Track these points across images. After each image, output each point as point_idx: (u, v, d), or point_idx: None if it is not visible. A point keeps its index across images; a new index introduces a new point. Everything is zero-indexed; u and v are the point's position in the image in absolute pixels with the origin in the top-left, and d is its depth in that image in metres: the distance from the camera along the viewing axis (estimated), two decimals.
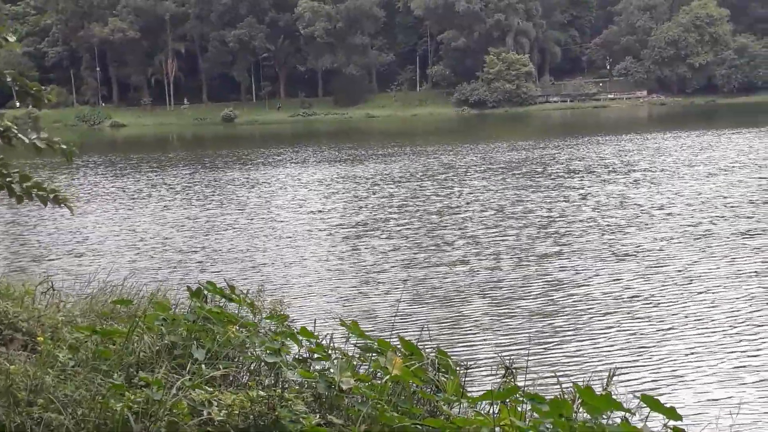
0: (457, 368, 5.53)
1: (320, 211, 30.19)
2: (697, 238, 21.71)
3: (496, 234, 23.80)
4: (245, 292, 6.47)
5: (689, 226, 23.67)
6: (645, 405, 4.00)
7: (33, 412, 4.57)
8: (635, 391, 5.13)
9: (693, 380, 11.37)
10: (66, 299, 8.16)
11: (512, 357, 6.81)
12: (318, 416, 4.65)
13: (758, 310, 14.66)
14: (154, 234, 26.14)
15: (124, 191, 39.25)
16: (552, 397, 4.36)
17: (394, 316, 13.89)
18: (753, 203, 27.53)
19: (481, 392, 4.63)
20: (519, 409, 4.59)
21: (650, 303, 15.49)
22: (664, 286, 16.72)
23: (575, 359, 12.41)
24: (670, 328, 13.79)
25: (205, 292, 6.12)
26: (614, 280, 17.48)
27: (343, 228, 26.23)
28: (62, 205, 5.82)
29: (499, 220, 26.18)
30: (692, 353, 12.45)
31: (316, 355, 5.44)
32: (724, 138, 57.70)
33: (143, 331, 5.57)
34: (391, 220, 27.20)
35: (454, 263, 19.90)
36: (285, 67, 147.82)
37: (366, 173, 43.46)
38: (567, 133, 75.05)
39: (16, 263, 21.86)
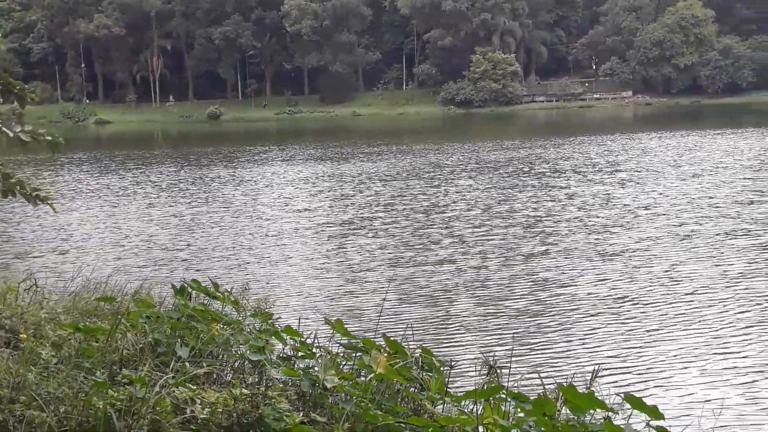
0: (441, 367, 5.53)
1: (306, 210, 30.16)
2: (683, 238, 21.80)
3: (483, 233, 23.84)
4: (230, 290, 6.46)
5: (675, 226, 23.77)
6: (628, 404, 4.01)
7: (15, 409, 4.55)
8: (619, 391, 5.15)
9: (677, 380, 11.42)
10: (49, 296, 8.12)
11: (496, 356, 6.82)
12: (302, 414, 4.65)
13: (743, 311, 14.73)
14: (138, 232, 26.05)
15: (108, 188, 39.09)
16: (536, 396, 4.37)
17: (380, 315, 13.88)
18: (738, 203, 27.68)
19: (465, 391, 4.64)
20: (502, 407, 4.60)
21: (636, 303, 15.54)
22: (649, 286, 16.78)
23: (560, 359, 12.45)
24: (655, 328, 13.84)
25: (190, 289, 6.10)
26: (600, 279, 17.52)
27: (329, 226, 26.21)
28: (46, 203, 5.80)
29: (486, 220, 26.23)
30: (677, 353, 12.49)
31: (300, 354, 5.43)
32: (709, 138, 57.99)
33: (127, 329, 5.55)
34: (378, 219, 27.21)
35: (441, 262, 19.92)
36: (271, 65, 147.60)
37: (352, 171, 43.45)
38: (553, 132, 75.26)
39: (0, 260, 21.76)
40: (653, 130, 70.89)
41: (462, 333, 14.04)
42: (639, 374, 11.69)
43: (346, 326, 5.57)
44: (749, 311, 14.70)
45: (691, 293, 16.09)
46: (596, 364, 10.51)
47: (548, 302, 15.84)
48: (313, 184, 38.66)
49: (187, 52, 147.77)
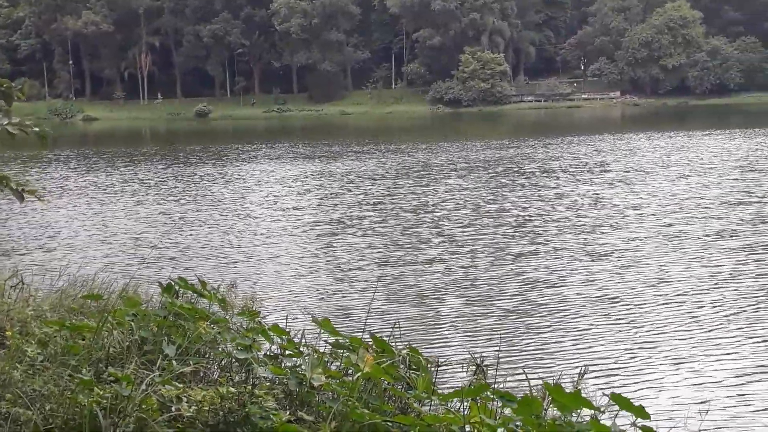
0: (429, 366, 5.54)
1: (295, 208, 30.14)
2: (672, 239, 21.86)
3: (472, 233, 23.86)
4: (217, 288, 6.45)
5: (664, 226, 23.84)
6: (614, 403, 4.03)
7: (0, 406, 4.53)
8: (607, 391, 5.17)
9: (665, 380, 11.44)
10: (36, 294, 8.10)
11: (484, 355, 6.83)
12: (288, 413, 4.65)
13: (732, 312, 14.77)
14: (126, 229, 25.97)
15: (96, 186, 38.97)
16: (522, 395, 4.38)
17: (367, 314, 13.88)
18: (726, 204, 27.78)
19: (452, 390, 4.64)
20: (489, 406, 4.60)
21: (624, 303, 15.57)
22: (638, 286, 16.81)
23: (548, 358, 12.47)
24: (643, 329, 13.87)
25: (177, 287, 6.08)
26: (589, 280, 17.55)
27: (317, 225, 26.20)
28: (35, 197, 5.78)
29: (475, 219, 26.25)
30: (665, 354, 12.52)
31: (287, 352, 5.42)
32: (697, 139, 58.22)
33: (113, 327, 5.53)
34: (366, 218, 27.20)
35: (429, 262, 19.93)
36: (260, 63, 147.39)
37: (341, 170, 43.43)
38: (541, 132, 75.41)
39: None
40: (641, 130, 71.11)
41: (450, 332, 14.05)
42: (627, 374, 11.72)
43: (334, 325, 5.57)
44: (738, 312, 14.74)
45: (680, 294, 16.13)
46: (584, 364, 10.53)
47: (537, 302, 15.86)
48: (301, 182, 38.63)
49: (176, 49, 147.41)
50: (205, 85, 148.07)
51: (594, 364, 11.83)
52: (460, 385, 5.12)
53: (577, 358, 12.21)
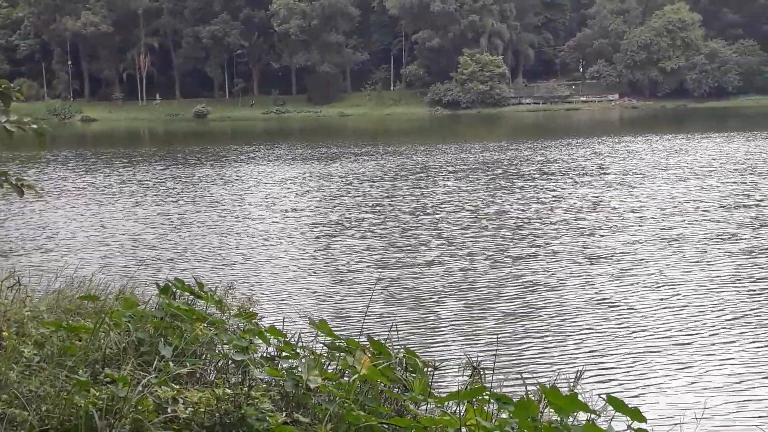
0: (425, 368, 5.54)
1: (293, 210, 30.13)
2: (671, 242, 21.85)
3: (470, 235, 23.87)
4: (214, 289, 6.44)
5: (662, 229, 23.83)
6: (610, 406, 4.03)
7: None
8: (604, 393, 5.18)
9: (662, 384, 11.44)
10: (33, 294, 8.08)
11: (481, 358, 6.83)
12: (285, 415, 4.65)
13: (731, 316, 14.76)
14: (124, 230, 25.97)
15: (94, 186, 38.96)
16: (519, 397, 4.38)
17: (365, 316, 13.87)
18: (725, 207, 27.79)
19: (449, 392, 4.64)
20: (485, 409, 4.60)
21: (623, 306, 15.57)
22: (636, 289, 16.80)
23: (545, 361, 12.47)
24: (641, 332, 13.86)
25: (174, 289, 6.08)
26: (587, 282, 17.55)
27: (316, 227, 26.20)
28: (34, 192, 5.77)
29: (473, 221, 26.26)
30: (663, 357, 12.52)
31: (284, 354, 5.42)
32: (695, 142, 58.27)
33: (110, 328, 5.53)
34: (365, 220, 27.20)
35: (428, 264, 19.93)
36: (259, 64, 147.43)
37: (340, 172, 43.44)
38: (539, 134, 75.46)
39: None
40: (640, 133, 71.16)
41: (447, 335, 14.05)
42: (625, 378, 11.72)
43: (331, 327, 5.57)
44: (737, 316, 14.74)
45: (679, 297, 16.13)
46: (581, 367, 10.52)
47: (535, 305, 15.86)
48: (300, 184, 38.63)
49: (175, 50, 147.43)
50: (203, 86, 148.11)
51: (592, 368, 11.83)
52: (457, 387, 5.12)
53: (574, 362, 12.20)
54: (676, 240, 22.17)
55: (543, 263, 19.60)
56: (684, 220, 25.36)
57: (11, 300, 7.36)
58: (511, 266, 19.37)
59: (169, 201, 33.16)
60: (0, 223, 27.73)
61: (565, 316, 14.93)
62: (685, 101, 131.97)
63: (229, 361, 5.39)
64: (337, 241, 23.50)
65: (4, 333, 5.73)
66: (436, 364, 5.97)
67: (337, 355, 5.41)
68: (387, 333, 6.22)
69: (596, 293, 16.61)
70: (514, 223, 25.84)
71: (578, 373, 6.02)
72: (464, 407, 4.52)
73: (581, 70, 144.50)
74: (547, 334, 13.90)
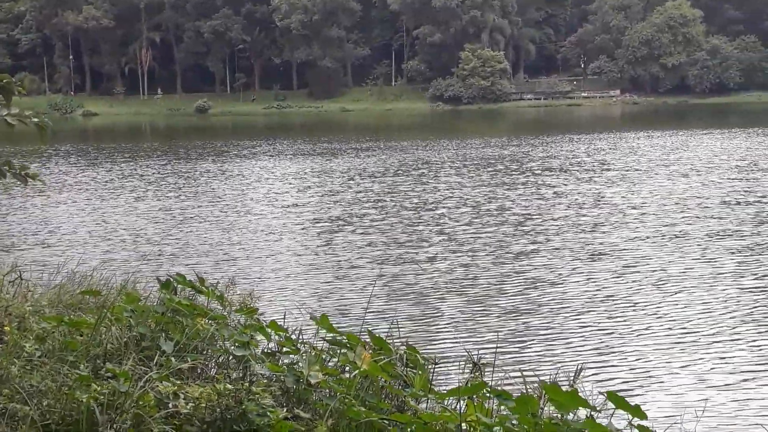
0: (426, 364, 5.54)
1: (295, 205, 30.13)
2: (672, 238, 21.83)
3: (472, 231, 23.86)
4: (215, 284, 6.45)
5: (664, 226, 23.81)
6: (611, 403, 4.03)
7: None
8: (604, 390, 5.18)
9: (663, 381, 11.43)
10: (34, 289, 8.09)
11: (482, 354, 6.83)
12: (285, 410, 4.65)
13: (732, 312, 14.74)
14: (125, 225, 25.97)
15: (95, 181, 38.96)
16: (519, 393, 4.38)
17: (365, 312, 13.88)
18: (727, 204, 27.75)
19: (449, 388, 4.65)
20: (486, 405, 4.60)
21: (624, 302, 15.56)
22: (638, 285, 16.79)
23: (547, 357, 12.47)
24: (643, 328, 13.86)
25: (175, 284, 6.08)
26: (589, 279, 17.54)
27: (317, 222, 26.20)
28: (36, 180, 5.78)
29: (475, 217, 26.25)
30: (665, 354, 12.51)
31: (285, 349, 5.43)
32: (696, 138, 58.22)
33: (111, 323, 5.53)
34: (366, 215, 27.20)
35: (429, 260, 19.93)
36: (260, 59, 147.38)
37: (341, 167, 43.43)
38: (541, 130, 75.40)
39: None
40: (641, 129, 71.13)
41: (448, 330, 14.05)
42: (626, 374, 11.72)
43: (332, 322, 5.57)
44: (738, 312, 14.73)
45: (680, 293, 16.12)
46: (582, 363, 10.53)
47: (536, 301, 15.86)
48: (301, 179, 38.63)
49: (176, 45, 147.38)
50: (205, 81, 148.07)
51: (593, 364, 11.83)
52: (458, 383, 5.13)
53: (575, 358, 12.20)
54: (677, 236, 22.15)
55: (544, 259, 19.59)
56: (686, 217, 25.34)
57: (13, 294, 7.38)
58: (512, 262, 19.37)
59: (170, 196, 33.17)
60: (2, 218, 27.75)
61: (566, 313, 14.93)
62: (686, 97, 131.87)
63: (230, 357, 5.39)
64: (338, 236, 23.51)
65: (5, 327, 5.74)
66: (437, 359, 5.98)
67: (338, 350, 5.42)
68: (388, 329, 6.23)
69: (597, 289, 16.61)
70: (516, 219, 25.83)
71: (578, 369, 6.02)
72: (465, 403, 4.52)
73: (582, 66, 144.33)
74: (548, 330, 13.90)
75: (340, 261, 19.99)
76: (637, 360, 12.27)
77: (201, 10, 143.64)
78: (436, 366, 5.76)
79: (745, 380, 11.44)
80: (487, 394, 4.53)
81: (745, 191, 30.71)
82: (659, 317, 14.50)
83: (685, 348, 12.79)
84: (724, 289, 16.42)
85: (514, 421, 4.07)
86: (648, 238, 22.03)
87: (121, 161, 49.91)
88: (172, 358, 5.10)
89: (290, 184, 36.93)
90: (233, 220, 26.62)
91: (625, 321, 14.34)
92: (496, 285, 17.20)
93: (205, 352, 5.61)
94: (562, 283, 17.17)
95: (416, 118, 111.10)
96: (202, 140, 69.63)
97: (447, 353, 12.04)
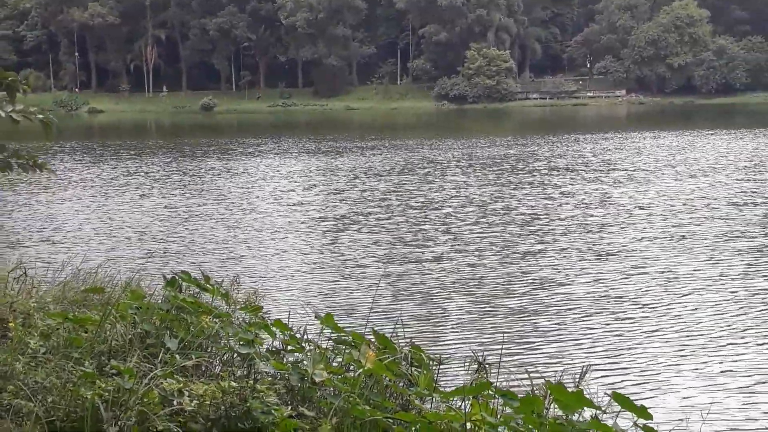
0: (430, 363, 5.54)
1: (300, 203, 30.13)
2: (680, 239, 21.75)
3: (478, 230, 23.82)
4: (220, 282, 6.45)
5: (671, 226, 23.73)
6: (616, 403, 4.02)
7: (2, 398, 4.53)
8: (610, 390, 5.17)
9: (670, 382, 11.38)
10: (39, 286, 8.10)
11: (487, 354, 6.82)
12: (290, 408, 4.65)
13: (740, 314, 14.67)
14: (131, 222, 25.99)
15: (101, 178, 39.00)
16: (525, 393, 4.37)
17: (370, 310, 13.87)
18: (734, 204, 27.67)
19: (454, 387, 4.64)
20: (491, 404, 4.60)
21: (631, 303, 15.50)
22: (645, 286, 16.71)
23: (552, 357, 12.43)
24: (650, 329, 13.80)
25: (180, 281, 6.08)
26: (595, 279, 17.47)
27: (323, 221, 26.19)
28: (44, 170, 5.78)
29: (481, 217, 26.21)
30: (671, 355, 12.46)
31: (289, 347, 5.43)
32: (703, 139, 58.13)
33: (116, 320, 5.53)
34: (372, 214, 27.18)
35: (435, 259, 19.91)
36: (265, 57, 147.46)
37: (347, 166, 43.42)
38: (546, 130, 75.34)
39: None
40: (647, 129, 71.02)
41: (453, 330, 14.03)
42: (632, 375, 11.67)
43: (337, 321, 5.57)
44: (746, 314, 14.65)
45: (688, 294, 16.05)
46: (588, 363, 10.51)
47: (543, 301, 15.82)
48: (307, 177, 38.63)
49: (182, 42, 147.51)
50: (210, 79, 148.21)
51: (599, 364, 11.80)
52: (462, 383, 5.12)
53: (581, 358, 12.16)
54: (685, 237, 22.08)
55: (551, 259, 19.55)
56: (693, 217, 25.26)
57: (18, 291, 7.38)
58: (518, 262, 19.33)
59: (175, 193, 33.19)
60: (7, 215, 27.78)
61: (572, 313, 14.89)
62: (692, 97, 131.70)
63: (235, 354, 5.39)
64: (343, 235, 23.50)
65: (10, 324, 5.75)
66: (442, 359, 5.97)
67: (343, 349, 5.41)
68: (393, 328, 6.22)
69: (604, 290, 16.56)
70: (522, 218, 25.79)
71: (584, 370, 6.01)
72: (469, 402, 4.52)
73: (588, 66, 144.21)
74: (554, 330, 13.87)
75: (345, 260, 19.97)
76: (643, 361, 12.23)
77: (206, 8, 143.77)
78: (441, 365, 5.75)
79: (752, 382, 11.39)
80: (492, 394, 4.52)
81: (752, 192, 30.64)
82: (666, 318, 14.45)
83: (692, 349, 12.74)
84: (732, 291, 16.35)
85: (519, 421, 4.06)
86: (655, 238, 21.97)
87: (127, 158, 49.96)
88: (177, 356, 5.10)
89: (295, 182, 36.93)
90: (238, 218, 26.62)
91: (631, 322, 14.29)
92: (502, 285, 17.16)
93: (209, 350, 5.62)
94: (568, 284, 17.13)
95: (421, 116, 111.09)
96: (207, 138, 69.68)
97: (452, 353, 12.02)
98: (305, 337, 5.72)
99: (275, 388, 4.81)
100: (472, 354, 6.07)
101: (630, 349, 12.79)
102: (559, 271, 18.22)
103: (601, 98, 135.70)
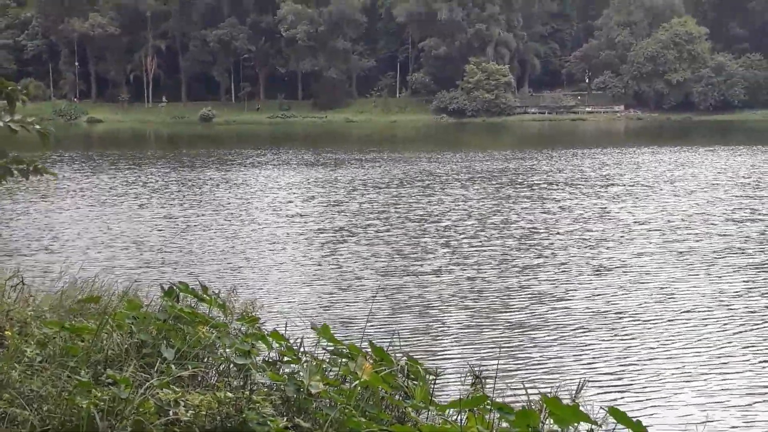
0: (427, 375, 5.53)
1: (299, 215, 30.14)
2: (678, 255, 21.74)
3: (476, 244, 23.83)
4: (217, 293, 6.44)
5: (670, 242, 23.73)
6: (612, 418, 4.01)
7: None
8: (606, 405, 5.17)
9: (667, 397, 11.37)
10: (36, 294, 8.09)
11: (484, 367, 6.82)
12: (286, 419, 4.64)
13: (739, 330, 14.66)
14: (129, 232, 25.99)
15: (99, 188, 39.01)
16: (521, 407, 4.37)
17: (367, 322, 13.87)
18: (733, 221, 27.70)
19: (450, 400, 4.63)
20: (487, 418, 4.59)
21: (629, 318, 15.50)
22: (644, 302, 16.70)
23: (550, 372, 12.42)
24: (647, 344, 13.79)
25: (178, 291, 6.08)
26: (594, 294, 17.47)
27: (321, 232, 26.20)
28: (44, 174, 5.78)
29: (479, 230, 26.22)
30: (668, 370, 12.45)
31: (286, 359, 5.42)
32: (701, 155, 58.23)
33: (113, 329, 5.53)
34: (371, 226, 27.19)
35: (433, 272, 19.90)
36: (265, 69, 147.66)
37: (345, 178, 43.46)
38: (545, 144, 75.47)
39: None
40: (645, 144, 71.15)
41: (451, 343, 14.03)
42: (630, 390, 11.66)
43: (334, 333, 5.56)
44: (743, 330, 14.65)
45: (687, 311, 16.03)
46: (585, 378, 10.50)
47: (540, 315, 15.82)
48: (306, 189, 38.65)
49: (182, 53, 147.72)
50: (210, 90, 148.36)
51: (597, 379, 11.79)
52: (459, 395, 5.12)
53: (579, 373, 12.15)
54: (683, 253, 22.08)
55: (549, 273, 19.55)
56: (691, 233, 25.27)
57: (15, 299, 7.37)
58: (517, 276, 19.33)
59: (174, 204, 33.19)
60: (5, 223, 27.77)
61: (570, 327, 14.89)
62: (690, 114, 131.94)
63: (231, 365, 5.39)
64: (341, 247, 23.50)
65: (7, 332, 5.74)
66: (438, 372, 5.97)
67: (339, 360, 5.41)
68: (389, 340, 6.22)
69: (602, 305, 16.56)
70: (521, 232, 25.81)
71: (580, 384, 6.01)
72: (465, 416, 4.51)
73: (587, 81, 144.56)
74: (551, 344, 13.86)
75: (343, 271, 19.97)
76: (640, 376, 12.23)
77: (207, 19, 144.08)
78: (438, 378, 5.75)
79: (749, 398, 11.38)
80: (488, 407, 4.52)
81: (751, 208, 30.68)
82: (664, 334, 14.44)
83: (690, 365, 12.74)
84: (729, 307, 16.35)
85: None
86: (654, 254, 21.97)
87: (125, 168, 49.98)
88: (173, 366, 5.10)
89: (294, 193, 36.95)
90: (237, 229, 26.63)
91: (629, 337, 14.29)
92: (499, 298, 17.16)
93: (206, 360, 5.61)
94: (566, 298, 17.13)
95: (420, 129, 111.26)
96: (206, 149, 69.73)
97: (449, 366, 12.01)
98: (302, 348, 5.72)
99: (271, 399, 4.81)
100: (469, 367, 6.07)
101: (627, 364, 12.78)
102: (557, 286, 18.22)
103: (600, 113, 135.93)
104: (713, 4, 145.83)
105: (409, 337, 13.78)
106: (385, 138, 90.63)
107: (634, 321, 15.29)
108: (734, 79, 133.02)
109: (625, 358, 13.07)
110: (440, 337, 14.38)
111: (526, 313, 15.93)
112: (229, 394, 4.64)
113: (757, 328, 14.81)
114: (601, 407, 4.57)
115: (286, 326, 6.83)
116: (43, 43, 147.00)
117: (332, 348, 5.49)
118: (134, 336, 5.50)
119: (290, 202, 34.09)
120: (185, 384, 5.12)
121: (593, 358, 13.14)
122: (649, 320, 15.31)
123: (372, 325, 14.44)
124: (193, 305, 6.14)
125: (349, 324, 14.98)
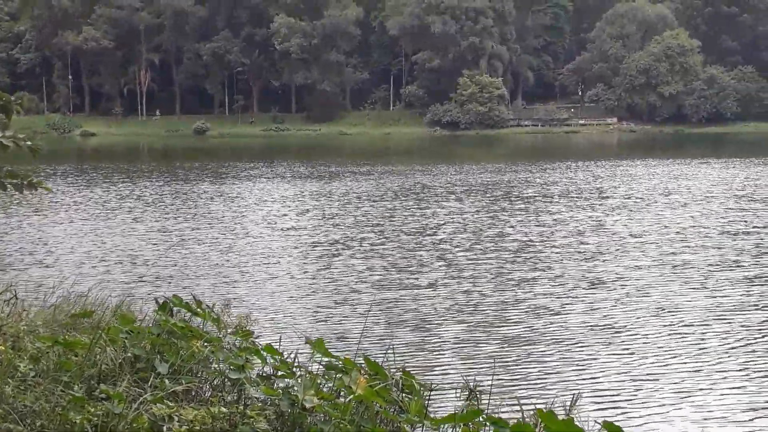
0: (422, 389, 5.51)
1: (293, 228, 30.11)
2: (673, 268, 21.73)
3: (471, 257, 23.81)
4: (211, 307, 6.42)
5: (665, 255, 23.72)
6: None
7: None
8: (601, 419, 5.15)
9: (662, 412, 11.35)
10: (29, 309, 8.06)
11: (479, 381, 6.80)
12: None
13: (734, 344, 14.64)
14: (123, 246, 25.93)
15: (93, 201, 38.94)
16: (516, 421, 4.36)
17: (361, 336, 13.84)
18: (727, 234, 27.71)
19: (445, 414, 4.62)
20: None
21: (623, 331, 15.49)
22: (638, 314, 16.69)
23: (545, 386, 12.40)
24: (643, 358, 13.77)
25: (171, 305, 6.06)
26: (589, 307, 17.44)
27: (315, 246, 26.16)
28: (39, 188, 5.76)
29: (474, 243, 26.21)
30: (664, 384, 12.42)
31: (280, 373, 5.40)
32: (694, 167, 58.39)
33: (106, 344, 5.51)
34: (365, 240, 27.18)
35: (428, 285, 19.88)
36: (259, 82, 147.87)
37: (339, 191, 43.47)
38: (538, 157, 75.61)
39: None
40: (638, 157, 71.34)
41: (445, 357, 14.00)
42: (624, 404, 11.64)
43: (329, 347, 5.55)
44: (739, 344, 14.62)
45: (683, 324, 15.99)
46: (580, 391, 10.47)
47: (536, 329, 15.80)
48: (300, 202, 38.64)
49: (176, 66, 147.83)
50: (203, 103, 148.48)
51: (591, 393, 11.77)
52: (453, 410, 5.10)
53: (573, 386, 12.13)
54: (678, 266, 22.07)
55: (544, 287, 19.53)
56: (686, 246, 25.27)
57: (8, 314, 7.34)
58: (512, 289, 19.31)
59: (168, 217, 33.15)
60: None
61: (565, 341, 14.86)
62: (682, 126, 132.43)
63: (225, 379, 5.37)
64: (336, 260, 23.47)
65: (0, 347, 5.71)
66: (433, 386, 5.95)
67: (334, 375, 5.39)
68: (384, 354, 6.20)
69: (597, 318, 16.53)
70: (516, 245, 25.80)
71: (575, 397, 6.00)
72: (460, 430, 4.50)
73: (580, 94, 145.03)
74: (546, 358, 13.83)
75: (337, 285, 19.94)
76: (635, 390, 12.20)
77: (200, 33, 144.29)
78: (432, 392, 5.73)
79: (745, 413, 11.37)
80: (483, 421, 4.50)
81: (744, 221, 30.73)
82: (659, 346, 14.43)
83: (686, 379, 12.71)
84: (725, 320, 16.34)
85: None
86: (649, 267, 21.96)
87: (119, 182, 49.92)
88: (167, 380, 5.08)
89: (288, 206, 36.93)
90: (231, 243, 26.58)
91: (624, 350, 14.27)
92: (494, 312, 17.14)
93: (200, 375, 5.58)
94: (561, 311, 17.11)
95: (414, 142, 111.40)
96: (200, 162, 69.71)
97: (444, 380, 11.98)
98: (296, 362, 5.70)
99: (265, 413, 4.79)
100: (464, 381, 6.05)
101: (623, 378, 12.76)
102: (552, 299, 18.19)
103: (593, 126, 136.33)
104: (705, 17, 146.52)
105: (403, 351, 13.74)
106: (379, 151, 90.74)
107: (629, 334, 15.27)
108: (726, 92, 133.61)
109: (620, 372, 13.05)
110: (435, 351, 14.35)
111: (521, 327, 15.91)
112: (223, 409, 4.62)
113: (754, 343, 14.79)
114: (596, 422, 4.56)
115: (280, 340, 6.81)
116: (37, 56, 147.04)
117: (327, 362, 5.47)
118: (128, 351, 5.47)
119: (284, 215, 34.06)
120: (179, 399, 5.10)
121: (588, 371, 13.11)
122: (644, 334, 15.28)
123: (367, 339, 14.42)
124: (187, 319, 6.12)
125: (343, 338, 14.95)
